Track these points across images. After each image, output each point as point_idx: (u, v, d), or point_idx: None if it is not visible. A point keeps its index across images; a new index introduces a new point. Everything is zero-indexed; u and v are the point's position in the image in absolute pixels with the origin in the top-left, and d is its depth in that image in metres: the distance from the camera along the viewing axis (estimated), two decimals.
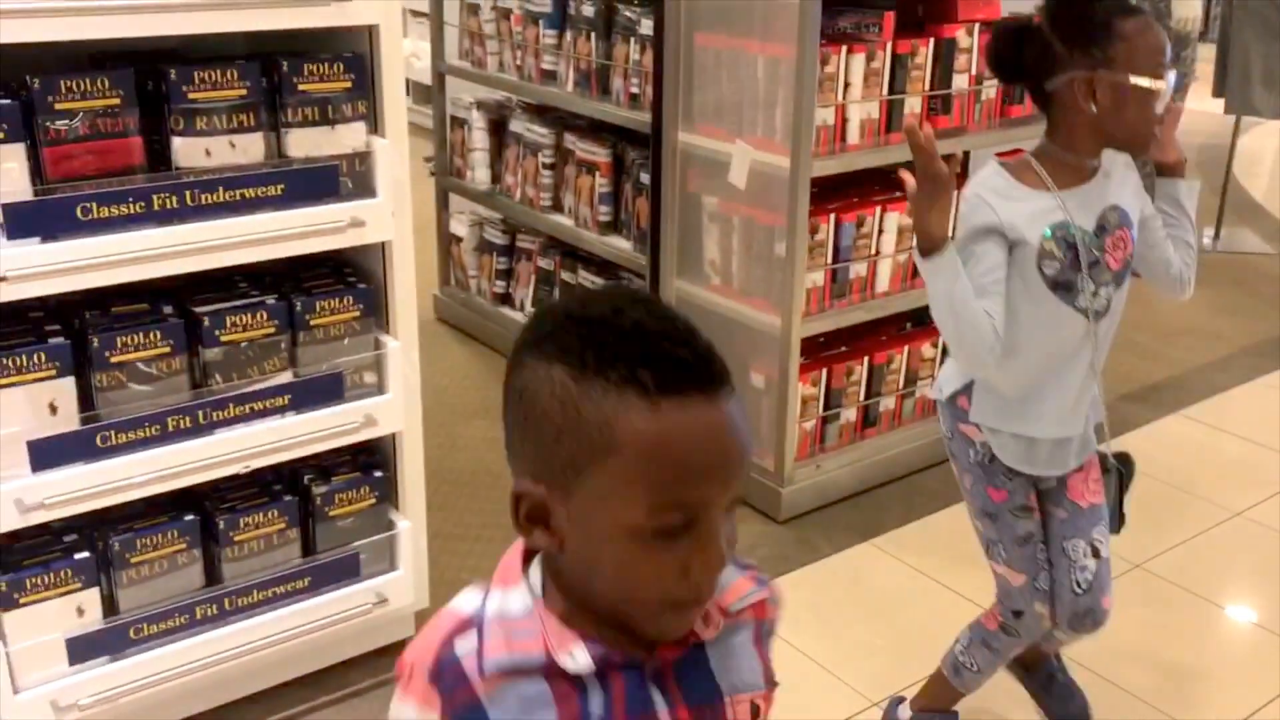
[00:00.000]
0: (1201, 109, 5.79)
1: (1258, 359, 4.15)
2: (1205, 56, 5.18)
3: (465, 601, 0.98)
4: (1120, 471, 2.10)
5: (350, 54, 2.09)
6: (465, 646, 0.94)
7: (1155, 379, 3.97)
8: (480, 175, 4.01)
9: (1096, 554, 2.03)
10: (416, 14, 6.10)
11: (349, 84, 2.08)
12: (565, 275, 3.76)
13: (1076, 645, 2.57)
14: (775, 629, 1.05)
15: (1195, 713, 2.37)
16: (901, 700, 2.30)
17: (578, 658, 0.93)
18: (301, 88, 2.04)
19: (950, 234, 1.80)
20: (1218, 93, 5.13)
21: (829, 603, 2.72)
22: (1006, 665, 2.23)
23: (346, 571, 2.31)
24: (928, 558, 2.86)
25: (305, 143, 2.07)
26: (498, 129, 3.97)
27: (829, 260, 2.97)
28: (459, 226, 4.21)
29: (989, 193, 1.86)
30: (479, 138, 3.98)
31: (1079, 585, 2.02)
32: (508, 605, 0.96)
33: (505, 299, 4.09)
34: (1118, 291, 1.94)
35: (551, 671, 0.93)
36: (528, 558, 0.98)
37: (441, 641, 0.95)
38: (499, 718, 0.92)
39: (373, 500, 2.32)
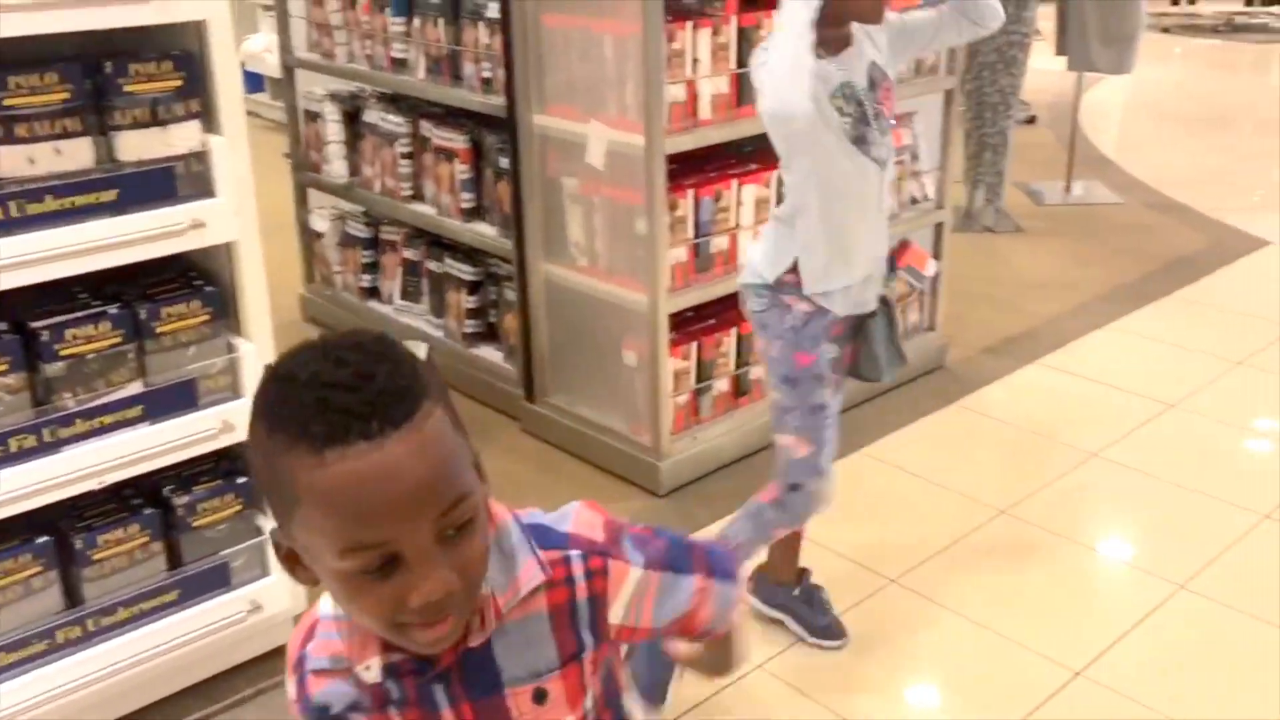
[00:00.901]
0: (1046, 67, 6.01)
1: (1110, 305, 4.32)
2: (1046, 15, 5.35)
3: (324, 600, 1.06)
4: (887, 309, 2.30)
5: (179, 52, 2.03)
6: (310, 645, 1.06)
7: (1012, 331, 4.11)
8: (337, 168, 3.94)
9: None
10: (267, 7, 5.96)
11: (179, 82, 2.03)
12: (432, 265, 3.72)
13: (942, 591, 2.66)
14: (605, 596, 1.07)
15: (1064, 649, 2.47)
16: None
17: (372, 670, 1.02)
18: (128, 89, 1.98)
19: None
20: (1060, 51, 5.31)
21: None
22: (761, 594, 2.49)
23: (216, 581, 2.27)
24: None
25: (137, 145, 2.01)
26: (352, 120, 3.91)
27: (690, 235, 3.00)
28: (319, 222, 4.13)
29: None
30: (333, 130, 3.91)
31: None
32: (325, 609, 1.06)
33: (373, 293, 4.03)
34: (889, 137, 2.16)
35: (355, 678, 1.03)
36: None
37: (300, 640, 1.07)
38: (321, 700, 1.05)
39: (239, 507, 2.27)
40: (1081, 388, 3.71)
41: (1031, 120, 7.04)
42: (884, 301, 2.31)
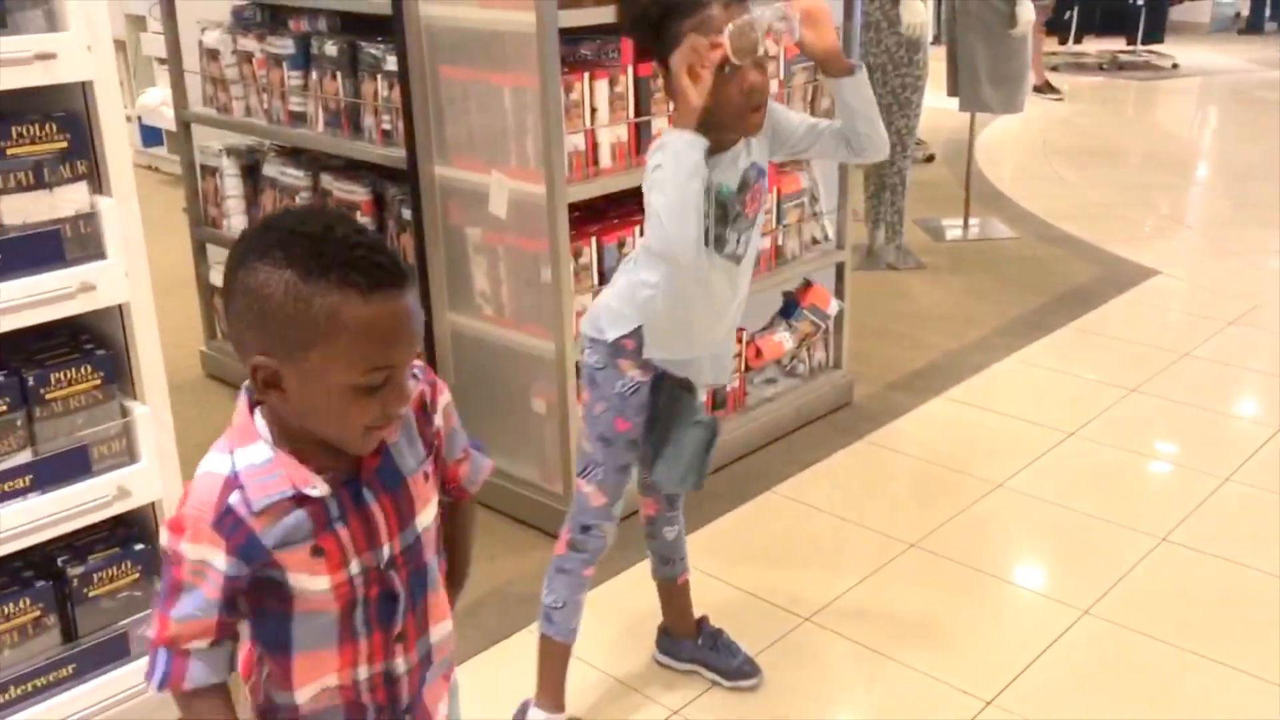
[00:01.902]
0: (940, 107, 6.18)
1: (1010, 338, 4.43)
2: (937, 57, 5.51)
3: (216, 464, 1.29)
4: (712, 428, 2.23)
5: (64, 112, 2.00)
6: (235, 498, 1.27)
7: (916, 365, 4.19)
8: (237, 223, 3.89)
9: None
10: (163, 61, 5.88)
11: (64, 144, 1.99)
12: None
13: (855, 627, 2.69)
14: (436, 400, 1.44)
15: (976, 679, 2.50)
16: (527, 702, 2.36)
17: (319, 487, 1.29)
18: (11, 152, 1.93)
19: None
20: (951, 92, 5.46)
21: (618, 620, 2.75)
22: (666, 651, 2.54)
23: (116, 652, 2.19)
24: (714, 559, 2.93)
25: (21, 208, 1.96)
26: (251, 174, 3.86)
27: (595, 282, 3.01)
28: (219, 277, 4.06)
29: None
30: (232, 184, 3.86)
31: None
32: (252, 459, 1.28)
33: None
34: (752, 231, 2.16)
35: (300, 499, 1.28)
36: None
37: (218, 499, 1.27)
38: (271, 542, 1.27)
39: (136, 575, 2.21)
40: (985, 419, 3.80)
41: (930, 159, 7.22)
42: (712, 424, 2.22)
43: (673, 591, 2.53)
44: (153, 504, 2.23)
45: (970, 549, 3.02)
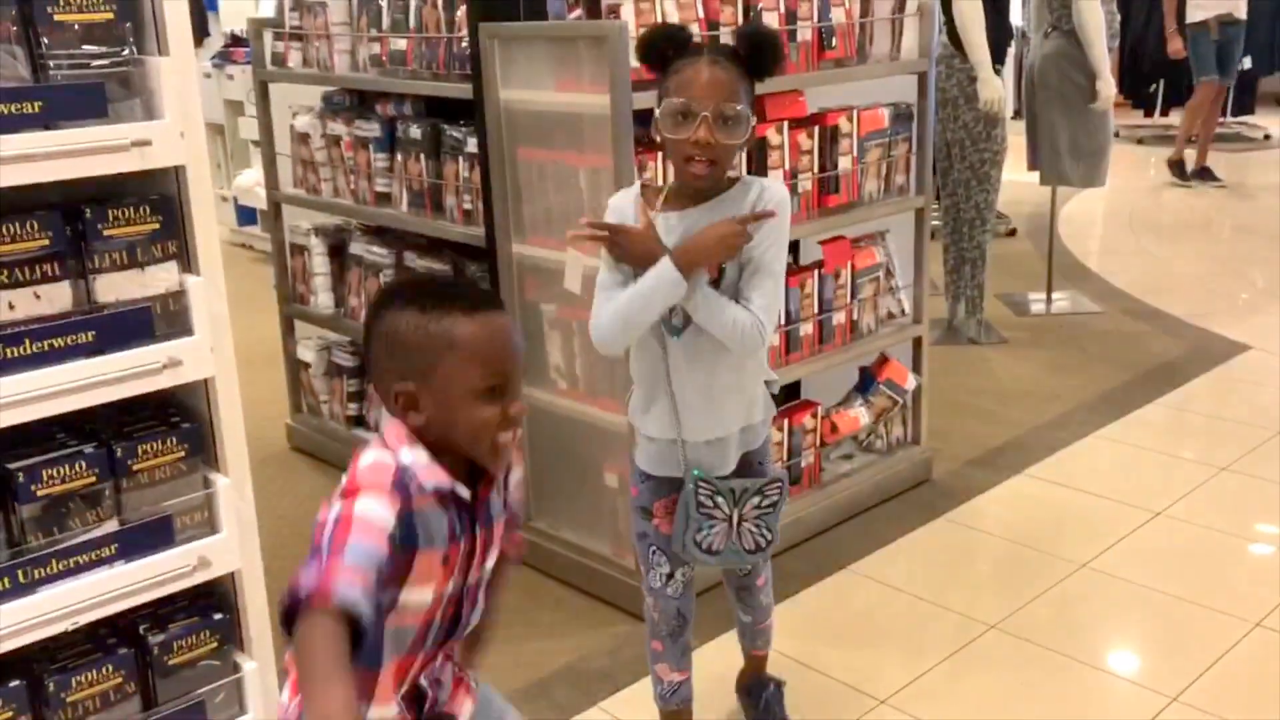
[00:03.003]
0: (1022, 180, 6.15)
1: (1092, 414, 4.35)
2: (1017, 131, 5.49)
3: (383, 456, 1.48)
4: (689, 499, 2.19)
5: (157, 195, 2.09)
6: (407, 476, 1.46)
7: (997, 442, 4.12)
8: (323, 300, 4.00)
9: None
10: (256, 143, 6.12)
11: (156, 225, 2.07)
12: None
13: (933, 711, 2.62)
14: (513, 473, 1.66)
15: None
16: None
17: (462, 491, 1.50)
18: (107, 233, 2.03)
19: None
20: (1031, 166, 5.44)
21: (699, 695, 2.72)
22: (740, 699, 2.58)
23: None
24: (789, 638, 2.89)
25: (115, 287, 2.05)
26: (337, 252, 3.99)
27: None
28: (306, 352, 4.18)
29: (610, 212, 2.18)
30: (319, 262, 3.98)
31: (739, 570, 2.38)
32: (418, 456, 1.48)
33: (359, 421, 4.05)
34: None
35: (443, 497, 1.49)
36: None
37: (394, 472, 1.45)
38: (421, 520, 1.45)
39: (215, 644, 2.25)
40: (1069, 497, 3.71)
41: (1012, 233, 7.17)
42: (700, 484, 2.17)
43: (747, 657, 2.61)
44: (232, 574, 2.28)
45: (1054, 631, 2.94)
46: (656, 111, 2.04)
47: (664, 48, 2.05)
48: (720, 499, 2.16)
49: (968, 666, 2.81)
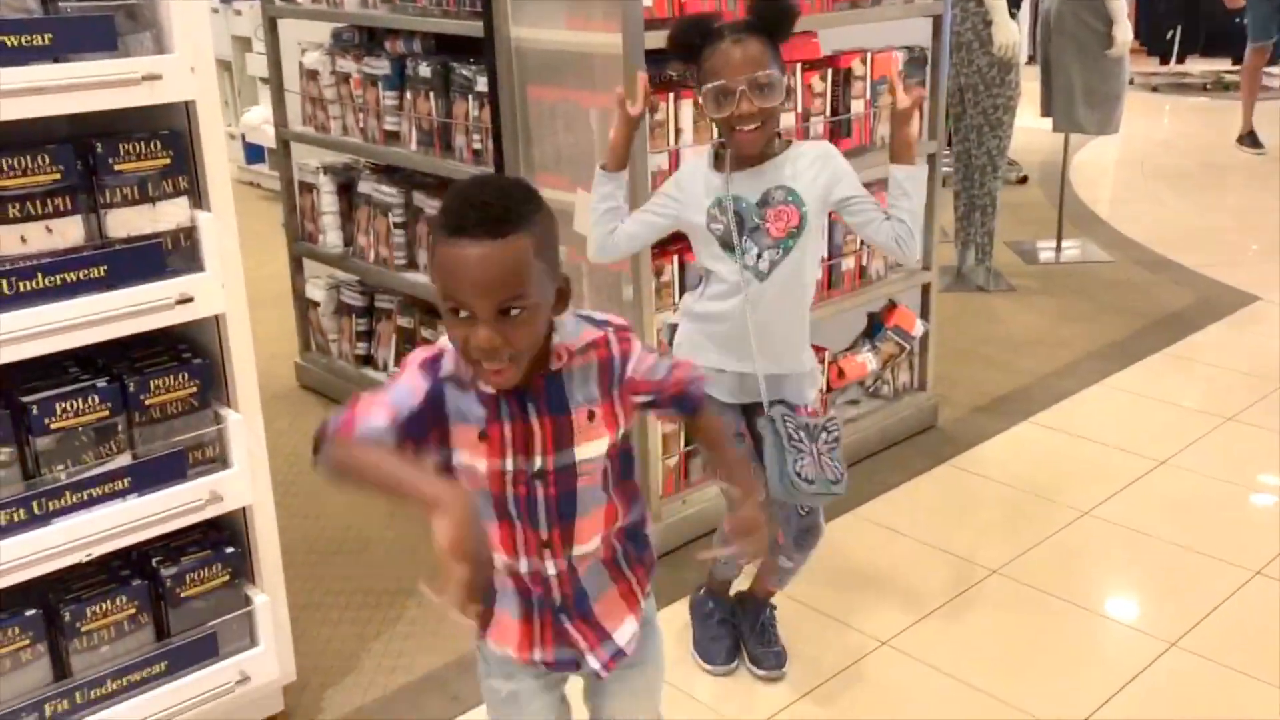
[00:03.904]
0: (1035, 127, 6.09)
1: (1101, 363, 4.35)
2: (1031, 76, 5.43)
3: (441, 342, 1.56)
4: (774, 428, 2.33)
5: (168, 130, 2.09)
6: (441, 359, 1.54)
7: (1004, 389, 4.13)
8: (332, 238, 4.00)
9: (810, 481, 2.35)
10: (265, 80, 6.07)
11: (168, 160, 2.08)
12: (426, 333, 3.76)
13: (933, 653, 2.66)
14: (628, 356, 1.60)
15: (1056, 710, 2.46)
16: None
17: (483, 387, 1.51)
18: (118, 168, 2.03)
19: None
20: (1045, 112, 5.39)
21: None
22: (726, 611, 2.69)
23: (204, 652, 2.27)
24: (798, 583, 2.91)
25: (126, 222, 2.05)
26: (346, 191, 3.97)
27: (675, 299, 3.04)
28: (315, 291, 4.18)
29: (684, 175, 2.38)
30: (328, 201, 3.97)
31: (801, 508, 2.43)
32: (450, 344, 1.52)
33: (368, 360, 4.06)
34: (785, 259, 2.29)
35: (477, 390, 1.52)
36: None
37: (429, 355, 1.55)
38: (451, 402, 1.53)
39: (226, 577, 2.29)
40: (1073, 445, 3.72)
41: (1023, 180, 7.12)
42: (773, 420, 2.33)
43: (759, 587, 2.67)
44: (244, 509, 2.31)
45: (1055, 577, 2.96)
46: (698, 95, 2.26)
47: (691, 37, 2.23)
48: (802, 432, 2.31)
49: (968, 610, 2.84)
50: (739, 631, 2.67)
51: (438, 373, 1.53)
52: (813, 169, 2.30)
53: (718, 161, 2.34)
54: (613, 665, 1.68)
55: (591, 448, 1.57)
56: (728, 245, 2.30)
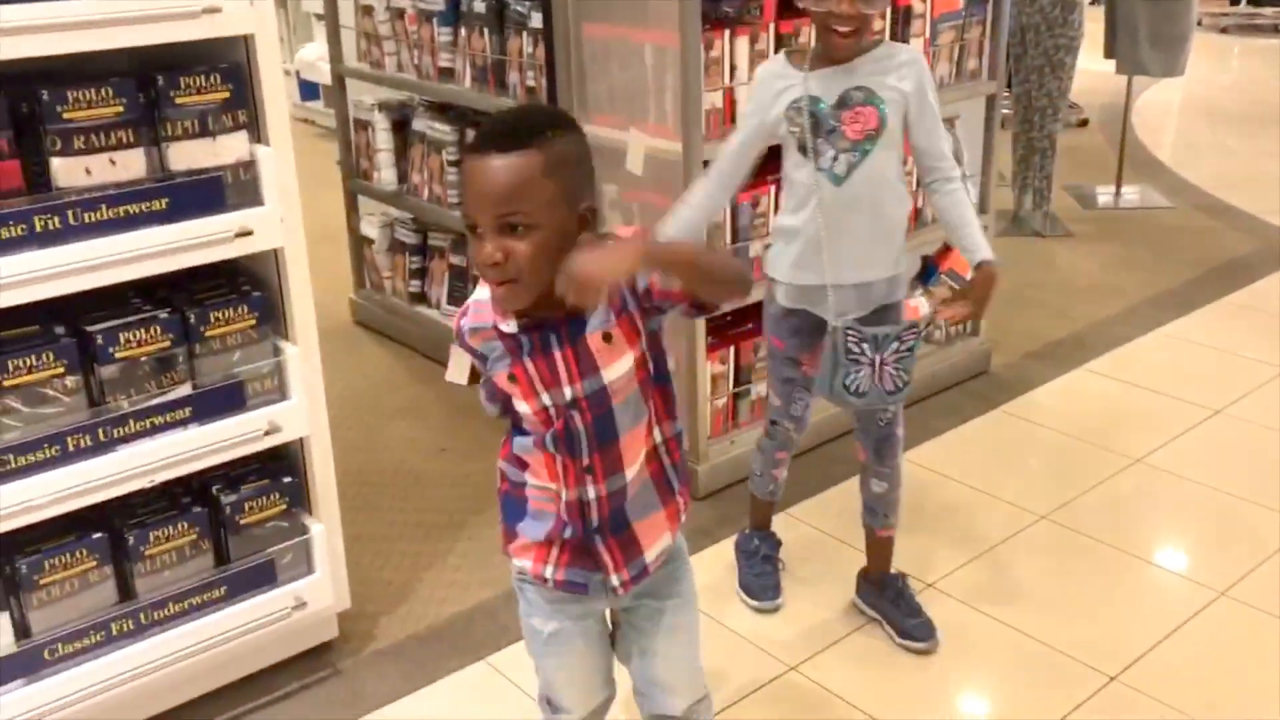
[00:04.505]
0: (1098, 69, 5.96)
1: (1158, 310, 4.28)
2: (1095, 17, 5.31)
3: (478, 291, 1.59)
4: (836, 337, 2.31)
5: (227, 64, 2.10)
6: (465, 321, 1.61)
7: (1058, 335, 4.09)
8: (386, 176, 4.02)
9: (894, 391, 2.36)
10: (320, 17, 6.08)
11: (228, 94, 2.10)
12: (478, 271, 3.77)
13: (979, 596, 2.67)
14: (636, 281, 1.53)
15: (1101, 654, 2.46)
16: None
17: (510, 325, 1.55)
18: (179, 101, 2.05)
19: None
20: (1108, 54, 5.26)
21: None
22: (861, 595, 2.64)
23: (262, 578, 2.33)
24: (842, 522, 2.93)
25: (187, 156, 2.08)
26: (401, 128, 3.98)
27: (728, 241, 3.03)
28: (369, 228, 4.21)
29: (760, 82, 2.32)
30: (383, 138, 3.99)
31: (880, 419, 2.46)
32: (479, 295, 1.59)
33: (421, 298, 4.10)
34: (863, 162, 2.25)
35: (496, 331, 1.57)
36: None
37: (459, 320, 1.62)
38: (485, 353, 1.60)
39: (284, 506, 2.34)
40: (1127, 393, 3.69)
41: (1084, 123, 6.98)
42: (839, 334, 2.29)
43: (871, 541, 2.61)
44: (301, 440, 2.35)
45: (1104, 524, 2.95)
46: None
47: None
48: (865, 345, 2.29)
49: (1016, 555, 2.84)
50: (879, 609, 2.59)
51: (465, 338, 1.61)
52: (899, 71, 2.24)
53: (796, 57, 2.28)
54: (630, 585, 1.68)
55: (617, 367, 1.57)
56: (804, 148, 2.25)
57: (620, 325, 1.55)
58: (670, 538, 1.71)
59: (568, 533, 1.65)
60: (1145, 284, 4.54)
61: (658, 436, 1.65)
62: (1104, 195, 5.64)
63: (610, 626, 1.82)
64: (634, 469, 1.63)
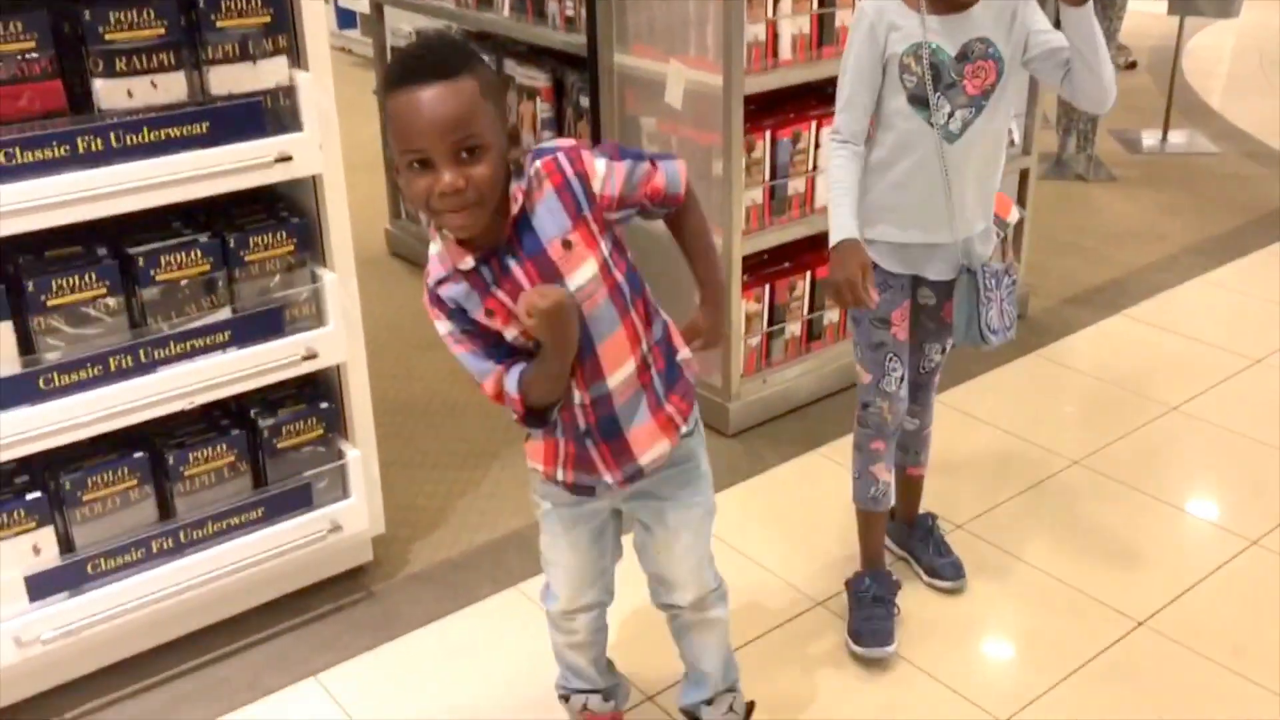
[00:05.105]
0: (1148, 9, 5.82)
1: (1200, 258, 4.22)
2: None
3: (431, 246, 1.60)
4: (972, 279, 2.23)
5: None
6: (428, 281, 1.61)
7: (1097, 281, 4.04)
8: None
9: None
10: None
11: (268, 18, 2.09)
12: None
13: (1006, 538, 2.67)
14: (587, 174, 1.58)
15: (1129, 600, 2.47)
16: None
17: (467, 261, 1.56)
18: (220, 24, 2.05)
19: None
20: None
21: (777, 511, 2.81)
22: (890, 534, 2.59)
23: (299, 501, 2.37)
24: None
25: (227, 80, 2.08)
26: None
27: (767, 177, 3.01)
28: None
29: (866, 13, 2.11)
30: None
31: (923, 366, 2.41)
32: (432, 250, 1.60)
33: None
34: (978, 119, 2.11)
35: (459, 273, 1.57)
36: None
37: (426, 290, 1.61)
38: (460, 301, 1.59)
39: (320, 431, 2.37)
40: (1165, 340, 3.65)
41: (1132, 65, 6.84)
42: (970, 271, 2.23)
43: (901, 479, 2.55)
44: (338, 366, 2.37)
45: (1137, 470, 2.94)
46: None
47: None
48: (992, 280, 2.25)
49: (1046, 499, 2.84)
50: (908, 548, 2.60)
51: (440, 300, 1.60)
52: (1003, 14, 2.08)
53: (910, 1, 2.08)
54: (626, 484, 1.74)
55: (581, 274, 1.59)
56: (918, 100, 2.09)
57: (578, 230, 1.58)
58: (668, 445, 1.74)
59: (558, 433, 1.71)
60: (1188, 230, 4.47)
61: (644, 346, 1.69)
62: (1150, 139, 5.54)
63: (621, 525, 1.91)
64: (617, 377, 1.66)
